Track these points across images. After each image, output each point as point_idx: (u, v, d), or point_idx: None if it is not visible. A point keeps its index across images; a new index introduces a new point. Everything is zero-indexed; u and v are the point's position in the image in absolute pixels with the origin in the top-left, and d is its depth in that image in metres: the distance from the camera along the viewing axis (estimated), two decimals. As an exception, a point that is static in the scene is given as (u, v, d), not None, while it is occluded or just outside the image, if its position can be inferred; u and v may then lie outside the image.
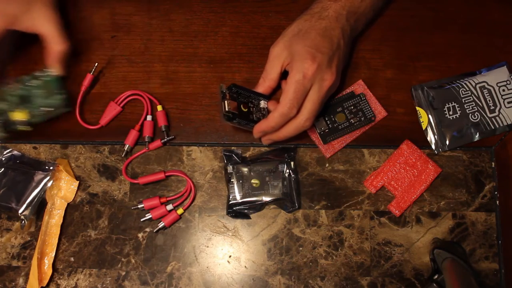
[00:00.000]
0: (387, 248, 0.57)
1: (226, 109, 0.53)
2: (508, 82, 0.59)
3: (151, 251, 0.57)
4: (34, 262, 0.55)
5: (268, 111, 0.56)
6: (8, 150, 0.59)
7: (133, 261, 0.57)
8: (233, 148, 0.59)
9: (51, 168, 0.58)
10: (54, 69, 0.56)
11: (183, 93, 0.61)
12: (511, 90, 0.59)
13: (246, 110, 0.55)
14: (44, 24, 0.55)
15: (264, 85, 0.56)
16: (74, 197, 0.58)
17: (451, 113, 0.59)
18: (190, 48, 0.62)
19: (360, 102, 0.59)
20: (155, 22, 0.62)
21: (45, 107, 0.57)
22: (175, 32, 0.62)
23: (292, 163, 0.57)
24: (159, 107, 0.59)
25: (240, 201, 0.57)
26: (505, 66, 0.59)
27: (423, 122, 0.59)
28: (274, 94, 0.58)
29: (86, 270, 0.57)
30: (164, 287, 0.56)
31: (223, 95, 0.54)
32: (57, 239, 0.57)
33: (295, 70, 0.51)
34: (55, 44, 0.55)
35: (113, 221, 0.58)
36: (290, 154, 0.58)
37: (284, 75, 0.55)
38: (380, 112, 0.59)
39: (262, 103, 0.56)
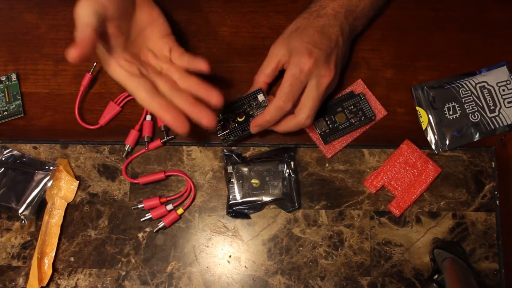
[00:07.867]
0: (387, 248, 0.57)
1: (220, 137, 0.56)
2: (508, 82, 0.59)
3: (151, 251, 0.57)
4: (34, 262, 0.55)
5: (269, 101, 0.56)
6: (8, 150, 0.59)
7: (133, 261, 0.57)
8: (233, 148, 0.59)
9: (51, 168, 0.58)
10: None
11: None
12: (511, 90, 0.59)
13: (243, 118, 0.56)
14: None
15: (259, 81, 0.56)
16: (74, 197, 0.58)
17: (451, 113, 0.59)
18: (190, 48, 0.62)
19: (360, 102, 0.59)
20: (155, 22, 0.62)
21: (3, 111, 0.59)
22: (175, 32, 0.62)
23: (292, 163, 0.57)
24: (159, 107, 0.59)
25: (240, 201, 0.57)
26: (505, 66, 0.59)
27: (423, 122, 0.59)
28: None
29: (86, 270, 0.57)
30: (164, 287, 0.56)
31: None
32: (57, 239, 0.57)
33: (292, 65, 0.52)
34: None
35: (113, 221, 0.58)
36: (290, 154, 0.58)
37: (282, 74, 0.55)
38: (380, 111, 0.59)
39: (260, 97, 0.56)
